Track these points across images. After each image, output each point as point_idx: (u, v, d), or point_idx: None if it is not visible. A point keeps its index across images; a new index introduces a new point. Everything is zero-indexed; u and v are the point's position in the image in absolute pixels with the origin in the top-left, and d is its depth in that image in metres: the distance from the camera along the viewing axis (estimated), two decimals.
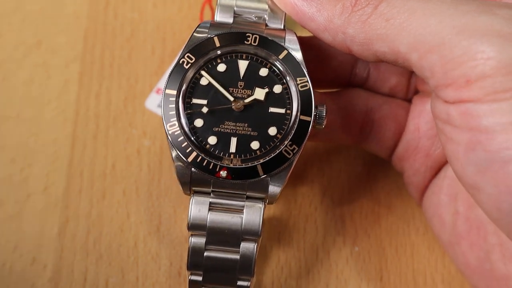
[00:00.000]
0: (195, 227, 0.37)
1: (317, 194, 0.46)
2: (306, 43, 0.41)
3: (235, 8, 0.39)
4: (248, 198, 0.37)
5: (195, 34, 0.38)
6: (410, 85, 0.43)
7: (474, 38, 0.30)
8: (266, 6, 0.39)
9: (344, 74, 0.43)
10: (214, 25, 0.38)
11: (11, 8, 0.52)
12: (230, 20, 0.39)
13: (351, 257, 0.44)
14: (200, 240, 0.37)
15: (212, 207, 0.37)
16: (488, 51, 0.30)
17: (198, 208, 0.37)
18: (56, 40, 0.51)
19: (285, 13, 0.39)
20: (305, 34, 0.39)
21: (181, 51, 0.38)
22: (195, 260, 0.37)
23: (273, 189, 0.37)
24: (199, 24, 0.38)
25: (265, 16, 0.39)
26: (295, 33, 0.38)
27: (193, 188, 0.37)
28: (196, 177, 0.36)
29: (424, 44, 0.32)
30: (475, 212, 0.39)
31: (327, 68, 0.42)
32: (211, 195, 0.37)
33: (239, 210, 0.37)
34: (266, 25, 0.39)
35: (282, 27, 0.39)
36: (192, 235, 0.37)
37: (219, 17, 0.39)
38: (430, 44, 0.32)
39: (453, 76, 0.31)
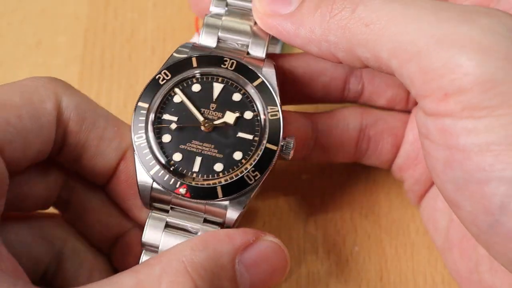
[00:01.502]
0: (148, 246, 0.36)
1: (317, 194, 0.46)
2: (293, 62, 0.41)
3: (219, 34, 0.39)
4: (206, 221, 0.37)
5: (174, 54, 0.38)
6: (409, 96, 0.43)
7: (454, 49, 0.30)
8: (251, 32, 0.39)
9: (336, 90, 0.43)
10: (196, 47, 0.39)
11: (11, 8, 0.52)
12: (213, 45, 0.39)
13: (351, 257, 0.44)
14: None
15: (168, 227, 0.36)
16: (466, 66, 0.30)
17: (154, 224, 0.36)
18: (56, 40, 0.51)
19: (267, 42, 0.39)
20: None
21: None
22: None
23: (231, 214, 0.36)
24: (180, 45, 0.39)
25: (248, 44, 0.39)
26: (274, 65, 0.38)
27: (153, 204, 0.37)
28: (157, 192, 0.36)
29: (403, 51, 0.32)
30: None
31: (317, 84, 0.42)
32: (170, 212, 0.37)
33: (195, 233, 0.36)
34: (248, 53, 0.39)
35: (263, 56, 0.39)
36: (144, 251, 0.37)
37: (203, 40, 0.39)
38: (409, 52, 0.31)
39: (432, 87, 0.31)
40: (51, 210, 0.40)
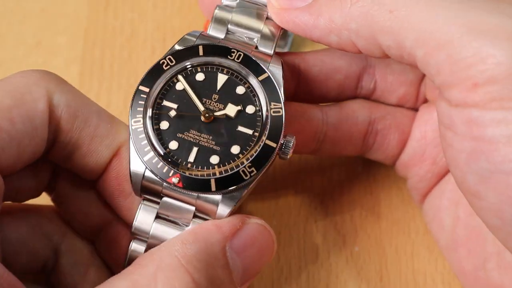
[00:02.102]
0: (138, 233, 0.36)
1: (317, 194, 0.46)
2: (309, 60, 0.41)
3: (228, 26, 0.39)
4: (195, 217, 0.36)
5: (185, 36, 0.38)
6: (419, 95, 0.43)
7: (485, 40, 0.30)
8: (261, 27, 0.39)
9: (350, 88, 0.42)
10: (204, 36, 0.38)
11: (11, 8, 0.52)
12: (222, 36, 0.39)
13: (351, 257, 0.44)
14: (141, 247, 0.36)
15: (158, 218, 0.36)
16: (499, 56, 0.29)
17: (145, 213, 0.36)
18: (56, 40, 0.51)
19: (277, 38, 0.38)
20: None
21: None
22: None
23: (222, 210, 0.35)
24: (188, 33, 0.38)
25: (257, 38, 0.39)
26: (282, 62, 0.38)
27: (144, 195, 0.36)
28: (148, 181, 0.35)
29: (431, 40, 0.31)
30: (476, 219, 0.38)
31: (333, 83, 0.42)
32: (160, 203, 0.36)
33: (186, 226, 0.36)
34: (256, 47, 0.39)
35: (272, 52, 0.38)
36: (134, 239, 0.36)
37: (211, 31, 0.39)
38: (438, 42, 0.31)
39: (460, 77, 0.30)
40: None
